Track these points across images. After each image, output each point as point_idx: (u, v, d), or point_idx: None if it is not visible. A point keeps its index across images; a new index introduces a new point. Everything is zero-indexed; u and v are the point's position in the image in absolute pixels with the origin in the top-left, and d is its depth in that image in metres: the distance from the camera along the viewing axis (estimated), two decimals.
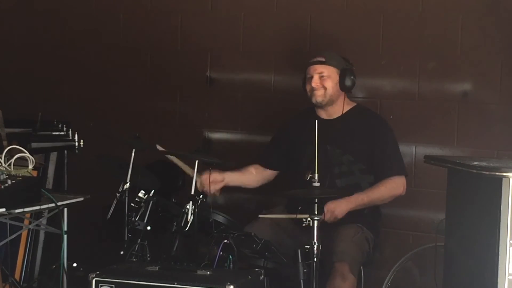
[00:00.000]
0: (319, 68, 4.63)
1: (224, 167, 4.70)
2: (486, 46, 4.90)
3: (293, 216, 4.33)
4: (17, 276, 5.07)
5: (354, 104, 4.76)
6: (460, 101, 4.96)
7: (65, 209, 4.33)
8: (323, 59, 4.64)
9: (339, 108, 4.70)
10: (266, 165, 4.87)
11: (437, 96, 5.03)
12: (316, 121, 4.14)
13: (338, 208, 4.45)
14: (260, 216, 4.58)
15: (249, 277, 3.84)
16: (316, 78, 4.63)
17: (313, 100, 4.64)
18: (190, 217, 4.26)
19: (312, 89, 4.64)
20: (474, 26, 4.91)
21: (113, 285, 3.77)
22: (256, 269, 3.95)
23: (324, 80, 4.63)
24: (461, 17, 4.92)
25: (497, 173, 3.33)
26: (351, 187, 4.59)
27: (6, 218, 4.18)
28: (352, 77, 4.65)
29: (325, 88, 4.63)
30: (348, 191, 4.51)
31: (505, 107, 4.86)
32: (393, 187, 4.62)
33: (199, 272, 3.81)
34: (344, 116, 4.69)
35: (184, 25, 5.62)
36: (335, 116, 4.72)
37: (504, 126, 4.84)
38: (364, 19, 5.15)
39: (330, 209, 4.41)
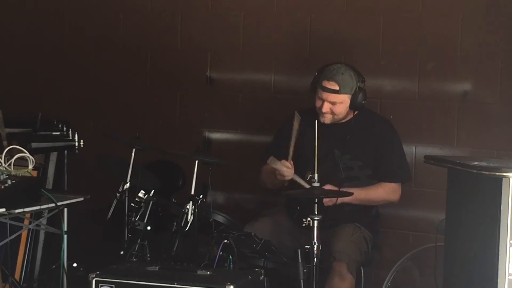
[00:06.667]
0: (332, 97, 4.53)
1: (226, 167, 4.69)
2: (486, 46, 4.90)
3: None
4: (17, 276, 5.07)
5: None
6: (460, 101, 4.96)
7: (65, 209, 4.33)
8: (337, 88, 4.51)
9: (347, 116, 4.67)
10: None
11: (437, 96, 5.04)
12: (316, 121, 4.15)
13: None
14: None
15: (249, 277, 3.85)
16: (326, 105, 4.53)
17: (321, 119, 4.51)
18: (190, 217, 4.27)
19: (321, 111, 4.55)
20: (474, 26, 4.91)
21: (113, 285, 3.77)
22: (256, 269, 3.96)
23: (335, 107, 4.55)
24: (461, 17, 4.93)
25: (497, 173, 3.34)
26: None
27: (6, 218, 4.18)
28: (363, 101, 4.56)
29: (334, 113, 4.58)
30: (348, 193, 4.51)
31: (505, 107, 4.86)
32: (390, 192, 4.65)
33: (199, 272, 3.82)
34: (351, 121, 4.66)
35: (184, 25, 5.61)
36: (342, 120, 4.68)
37: (504, 126, 4.84)
38: (364, 19, 5.15)
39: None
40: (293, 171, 4.46)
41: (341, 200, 4.47)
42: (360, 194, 4.53)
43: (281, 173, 4.45)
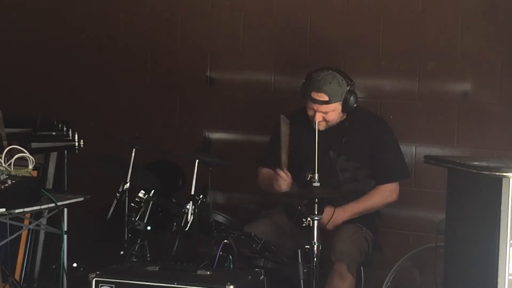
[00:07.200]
0: (323, 108, 4.51)
1: (226, 167, 4.69)
2: (486, 46, 4.90)
3: None
4: (17, 276, 5.07)
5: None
6: (460, 101, 4.96)
7: (65, 209, 4.33)
8: (326, 99, 4.48)
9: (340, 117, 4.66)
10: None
11: (437, 96, 5.04)
12: (317, 121, 4.16)
13: (336, 215, 4.47)
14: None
15: (249, 277, 3.84)
16: (319, 115, 4.51)
17: (314, 126, 4.35)
18: (190, 217, 4.27)
19: (314, 120, 4.49)
20: (474, 26, 4.91)
21: (113, 285, 3.77)
22: (256, 269, 3.95)
23: (328, 115, 4.54)
24: (461, 17, 4.93)
25: (497, 173, 3.34)
26: (356, 193, 4.59)
27: (6, 218, 4.18)
28: (354, 104, 4.53)
29: (327, 121, 4.56)
30: (348, 193, 4.51)
31: (505, 107, 4.86)
32: (387, 195, 4.64)
33: (199, 272, 3.82)
34: (344, 122, 4.64)
35: (184, 25, 5.62)
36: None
37: (504, 126, 4.85)
38: (364, 19, 5.15)
39: (328, 217, 4.42)
40: (290, 181, 4.47)
41: (340, 219, 4.50)
42: (358, 208, 4.56)
43: (278, 184, 4.47)
